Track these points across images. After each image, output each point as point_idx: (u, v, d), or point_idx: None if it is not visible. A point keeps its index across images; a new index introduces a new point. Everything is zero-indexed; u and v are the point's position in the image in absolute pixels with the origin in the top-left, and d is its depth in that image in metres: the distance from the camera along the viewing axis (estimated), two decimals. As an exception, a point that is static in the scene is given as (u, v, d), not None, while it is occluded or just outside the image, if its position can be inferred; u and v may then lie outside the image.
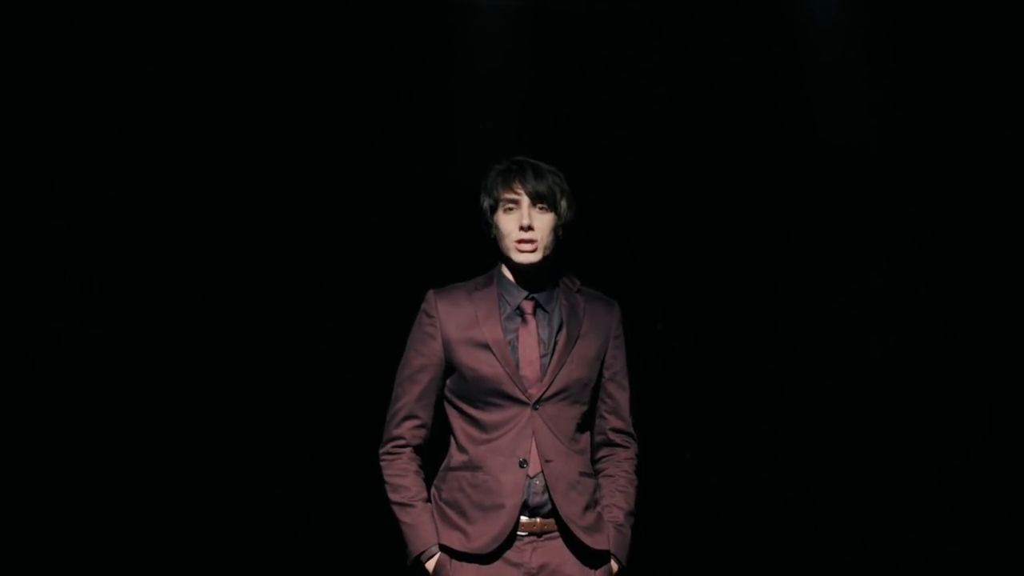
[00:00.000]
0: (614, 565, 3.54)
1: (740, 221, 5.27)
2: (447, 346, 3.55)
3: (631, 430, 3.66)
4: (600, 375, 3.61)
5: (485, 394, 3.51)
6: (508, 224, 3.52)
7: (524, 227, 3.49)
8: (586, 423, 3.61)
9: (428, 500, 3.54)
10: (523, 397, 3.49)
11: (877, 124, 5.19)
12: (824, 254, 5.23)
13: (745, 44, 5.21)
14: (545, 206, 3.51)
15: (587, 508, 3.52)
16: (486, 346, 3.51)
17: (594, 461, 3.64)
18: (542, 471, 3.47)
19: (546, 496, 3.47)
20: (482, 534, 3.46)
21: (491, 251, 3.61)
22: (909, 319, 5.19)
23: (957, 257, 5.19)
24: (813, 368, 5.23)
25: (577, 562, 3.49)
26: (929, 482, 5.20)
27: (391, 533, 3.57)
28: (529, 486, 3.48)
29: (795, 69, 5.21)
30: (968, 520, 5.20)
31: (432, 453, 3.60)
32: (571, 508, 3.48)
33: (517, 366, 3.50)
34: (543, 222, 3.51)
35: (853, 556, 5.22)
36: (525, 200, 3.50)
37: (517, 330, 3.54)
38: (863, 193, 5.21)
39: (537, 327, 3.54)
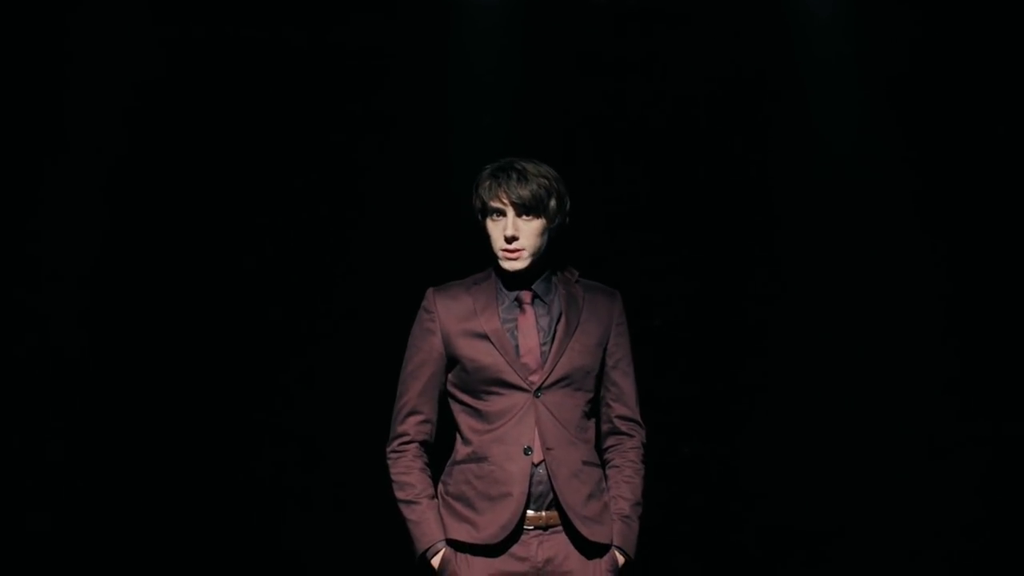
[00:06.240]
0: (620, 558, 3.51)
1: (735, 218, 5.29)
2: (447, 340, 3.54)
3: (638, 417, 3.63)
4: (604, 363, 3.59)
5: (486, 384, 3.50)
6: (494, 231, 3.53)
7: (508, 238, 3.50)
8: (593, 411, 3.60)
9: (434, 496, 3.53)
10: (524, 384, 3.49)
11: (874, 124, 5.22)
12: (819, 252, 5.26)
13: (742, 41, 5.23)
14: (530, 215, 3.50)
15: (591, 497, 3.50)
16: (484, 336, 3.51)
17: (602, 451, 3.62)
18: (544, 459, 3.47)
19: (549, 485, 3.46)
20: (490, 524, 3.44)
21: (488, 248, 3.60)
22: (904, 317, 5.21)
23: (960, 260, 5.22)
24: (807, 364, 5.25)
25: (581, 556, 3.47)
26: (925, 476, 5.22)
27: (396, 527, 3.57)
28: (533, 474, 3.47)
29: (790, 68, 5.24)
30: (965, 518, 5.23)
31: (438, 450, 3.59)
32: (572, 496, 3.46)
33: (517, 353, 3.50)
34: (529, 230, 3.50)
35: (847, 550, 5.25)
36: (510, 210, 3.50)
37: (516, 319, 3.54)
38: (860, 193, 5.24)
39: (536, 316, 3.54)
